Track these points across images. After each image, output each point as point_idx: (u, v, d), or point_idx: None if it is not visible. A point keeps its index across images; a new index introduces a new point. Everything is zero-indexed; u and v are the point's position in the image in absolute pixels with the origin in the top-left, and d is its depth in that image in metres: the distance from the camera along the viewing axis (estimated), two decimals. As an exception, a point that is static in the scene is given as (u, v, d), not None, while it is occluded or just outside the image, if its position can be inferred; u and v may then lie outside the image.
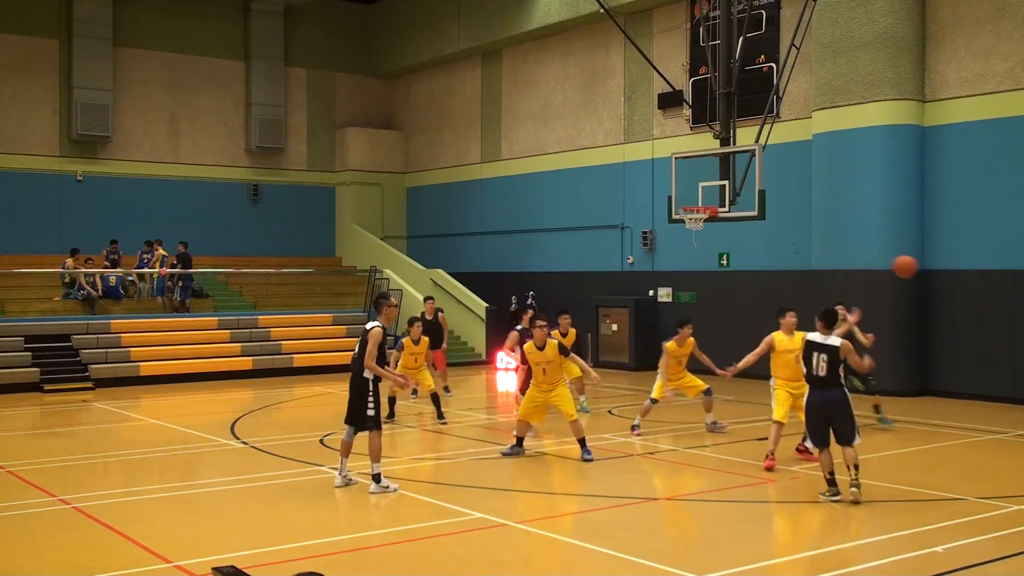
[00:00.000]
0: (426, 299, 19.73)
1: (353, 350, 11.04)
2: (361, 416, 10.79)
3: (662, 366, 14.66)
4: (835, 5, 19.52)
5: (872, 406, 15.16)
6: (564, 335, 16.41)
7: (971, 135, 18.77)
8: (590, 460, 12.48)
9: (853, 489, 10.08)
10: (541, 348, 12.61)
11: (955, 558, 8.27)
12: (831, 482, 10.23)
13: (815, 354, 10.22)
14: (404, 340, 16.13)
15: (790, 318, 12.49)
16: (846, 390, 10.22)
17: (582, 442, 12.65)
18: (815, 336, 10.37)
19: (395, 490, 10.74)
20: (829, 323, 10.39)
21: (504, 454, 12.94)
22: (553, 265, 27.39)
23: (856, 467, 10.17)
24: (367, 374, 10.72)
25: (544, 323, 12.82)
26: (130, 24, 28.72)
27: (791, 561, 8.42)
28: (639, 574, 8.13)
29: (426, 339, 16.34)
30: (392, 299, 11.24)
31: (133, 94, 28.87)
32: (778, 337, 12.36)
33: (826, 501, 10.16)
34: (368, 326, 10.83)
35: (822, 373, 10.17)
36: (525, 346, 12.85)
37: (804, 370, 10.43)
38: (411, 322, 16.45)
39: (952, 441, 14.37)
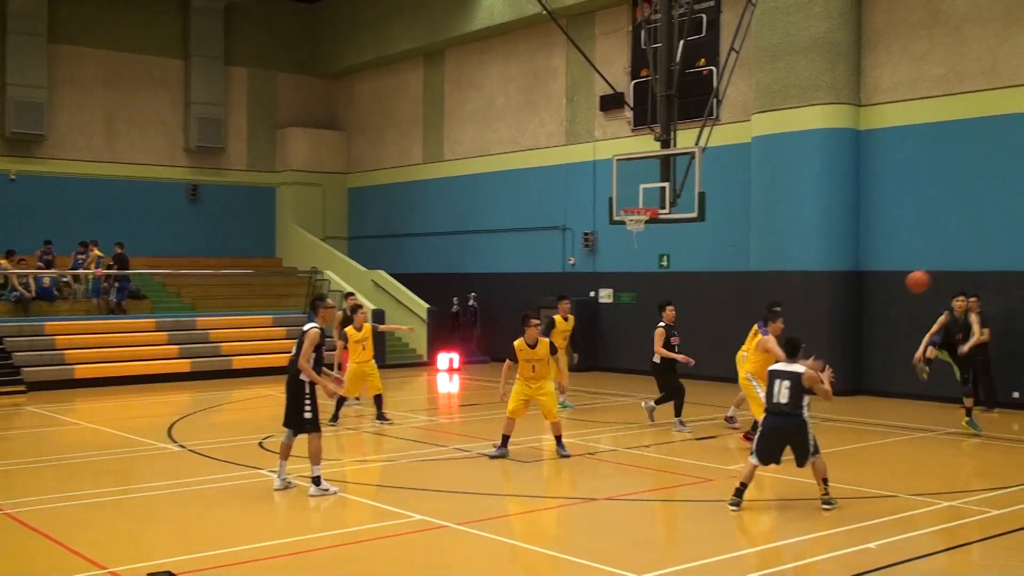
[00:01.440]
0: (346, 296, 19.34)
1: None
2: (298, 419, 10.69)
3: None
4: (773, 10, 19.78)
5: (966, 409, 14.68)
6: (565, 319, 17.02)
7: (905, 139, 19.13)
8: (567, 456, 12.76)
9: (825, 507, 9.89)
10: (533, 346, 12.73)
11: (888, 554, 8.43)
12: (739, 492, 9.93)
13: (777, 381, 9.98)
14: (347, 330, 16.06)
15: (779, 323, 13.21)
16: (805, 418, 9.89)
17: (559, 439, 12.96)
18: (779, 365, 10.20)
19: (335, 492, 10.67)
20: (792, 352, 10.16)
21: (491, 456, 12.78)
22: (495, 266, 27.41)
23: (825, 481, 9.99)
24: (303, 376, 10.64)
25: (537, 322, 12.87)
26: (65, 21, 28.22)
27: (730, 559, 8.51)
28: (581, 574, 8.17)
29: (369, 325, 16.21)
30: (329, 300, 11.16)
31: (68, 92, 28.38)
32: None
33: (728, 508, 9.90)
34: (305, 327, 10.76)
35: (783, 400, 9.91)
36: (516, 343, 12.85)
37: (763, 398, 10.23)
38: (352, 310, 16.51)
39: (885, 439, 14.64)
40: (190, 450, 13.78)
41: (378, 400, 16.00)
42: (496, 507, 10.57)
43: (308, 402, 10.61)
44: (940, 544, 8.85)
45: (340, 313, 16.64)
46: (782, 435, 9.95)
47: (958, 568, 8.28)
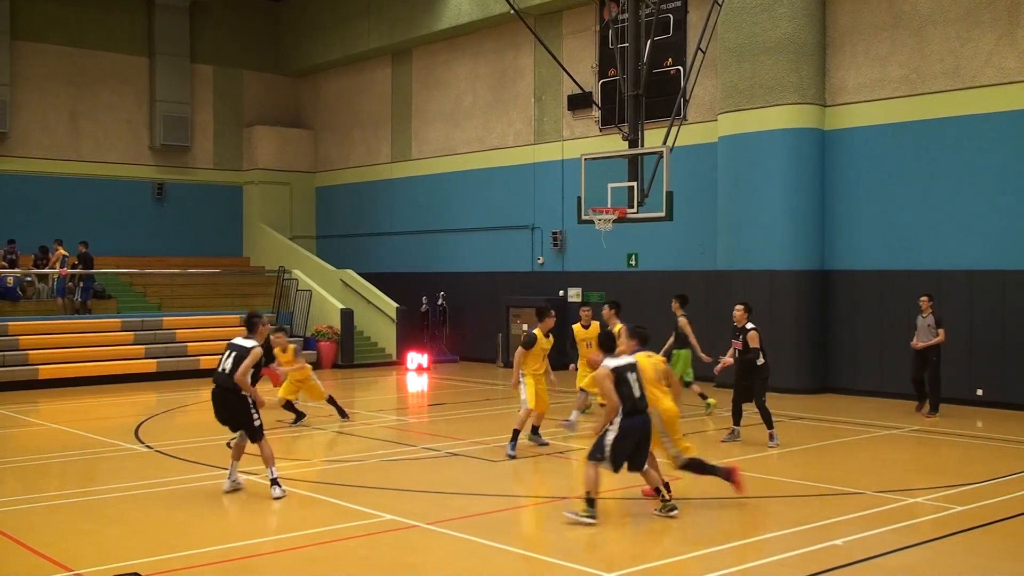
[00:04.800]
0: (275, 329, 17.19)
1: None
2: (251, 429, 10.65)
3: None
4: (739, 10, 19.90)
5: (698, 394, 16.74)
6: (586, 327, 16.06)
7: (869, 139, 19.31)
8: (545, 444, 13.47)
9: (675, 512, 9.63)
10: (547, 337, 13.39)
11: (855, 550, 8.51)
12: (591, 503, 9.39)
13: (630, 375, 9.49)
14: (275, 351, 15.68)
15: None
16: None
17: (536, 428, 13.57)
18: (624, 360, 9.62)
19: (285, 494, 10.61)
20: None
21: (510, 456, 12.91)
22: (464, 265, 27.40)
23: (667, 485, 9.79)
24: (245, 391, 10.58)
25: (554, 314, 13.48)
26: (28, 17, 27.89)
27: (697, 556, 8.56)
28: (550, 572, 8.19)
29: (293, 346, 16.06)
30: (264, 317, 11.11)
31: (31, 89, 28.06)
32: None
33: (575, 519, 9.38)
34: (248, 344, 10.60)
35: (639, 395, 9.49)
36: (537, 331, 13.29)
37: (616, 395, 9.39)
38: (276, 331, 15.99)
39: (851, 437, 14.78)
40: (157, 451, 13.68)
41: (332, 401, 16.08)
42: (466, 506, 10.55)
43: (254, 411, 10.61)
44: (906, 540, 8.94)
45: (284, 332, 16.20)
46: (641, 435, 9.52)
47: (924, 564, 8.37)
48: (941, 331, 16.43)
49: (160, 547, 8.77)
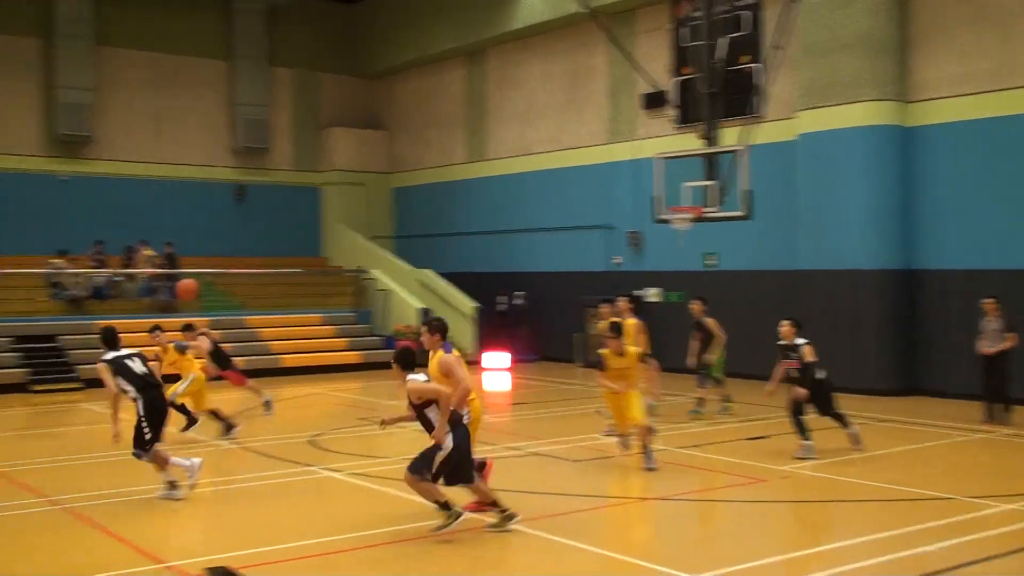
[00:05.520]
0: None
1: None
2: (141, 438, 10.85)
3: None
4: (817, 6, 19.63)
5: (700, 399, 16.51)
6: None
7: (954, 135, 18.89)
8: (652, 470, 12.01)
9: (515, 519, 9.30)
10: (621, 355, 12.49)
11: (948, 557, 8.33)
12: (445, 505, 9.08)
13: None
14: (157, 351, 14.65)
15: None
16: None
17: (645, 448, 12.30)
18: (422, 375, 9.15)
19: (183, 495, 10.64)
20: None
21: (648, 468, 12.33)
22: (540, 265, 27.41)
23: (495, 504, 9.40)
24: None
25: (611, 335, 12.52)
26: (113, 23, 28.57)
27: (781, 561, 8.47)
28: (630, 573, 8.17)
29: (171, 345, 15.03)
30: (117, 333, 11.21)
31: (116, 93, 28.75)
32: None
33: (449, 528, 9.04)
34: (132, 350, 11.01)
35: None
36: (605, 352, 12.59)
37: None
38: (151, 330, 15.17)
39: (941, 440, 14.46)
40: (242, 447, 13.93)
41: (217, 415, 14.95)
42: (543, 506, 10.54)
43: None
44: (1002, 548, 8.71)
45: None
46: (468, 444, 9.34)
47: (1018, 574, 8.17)
48: (1009, 335, 15.59)
49: (248, 541, 8.92)
